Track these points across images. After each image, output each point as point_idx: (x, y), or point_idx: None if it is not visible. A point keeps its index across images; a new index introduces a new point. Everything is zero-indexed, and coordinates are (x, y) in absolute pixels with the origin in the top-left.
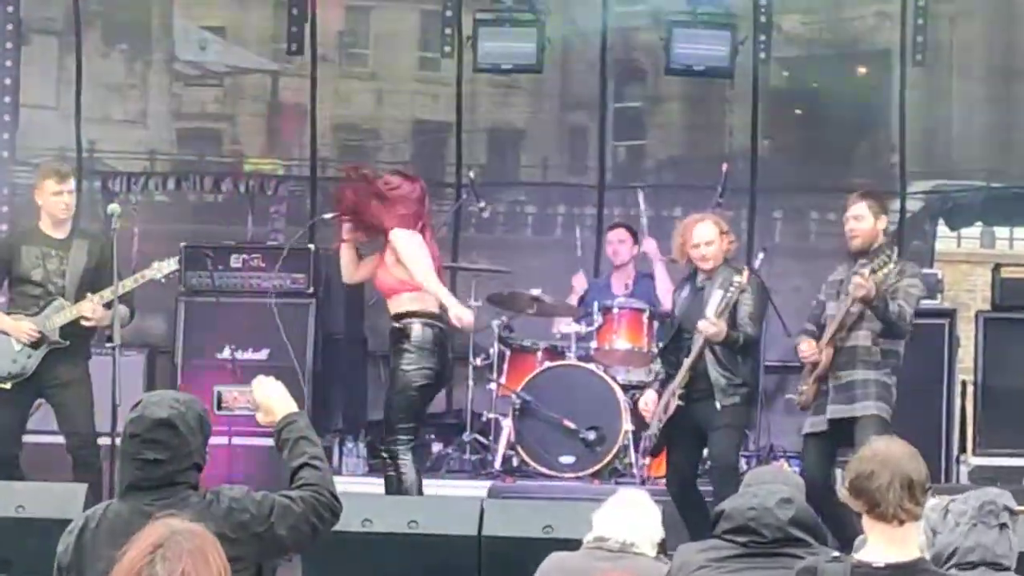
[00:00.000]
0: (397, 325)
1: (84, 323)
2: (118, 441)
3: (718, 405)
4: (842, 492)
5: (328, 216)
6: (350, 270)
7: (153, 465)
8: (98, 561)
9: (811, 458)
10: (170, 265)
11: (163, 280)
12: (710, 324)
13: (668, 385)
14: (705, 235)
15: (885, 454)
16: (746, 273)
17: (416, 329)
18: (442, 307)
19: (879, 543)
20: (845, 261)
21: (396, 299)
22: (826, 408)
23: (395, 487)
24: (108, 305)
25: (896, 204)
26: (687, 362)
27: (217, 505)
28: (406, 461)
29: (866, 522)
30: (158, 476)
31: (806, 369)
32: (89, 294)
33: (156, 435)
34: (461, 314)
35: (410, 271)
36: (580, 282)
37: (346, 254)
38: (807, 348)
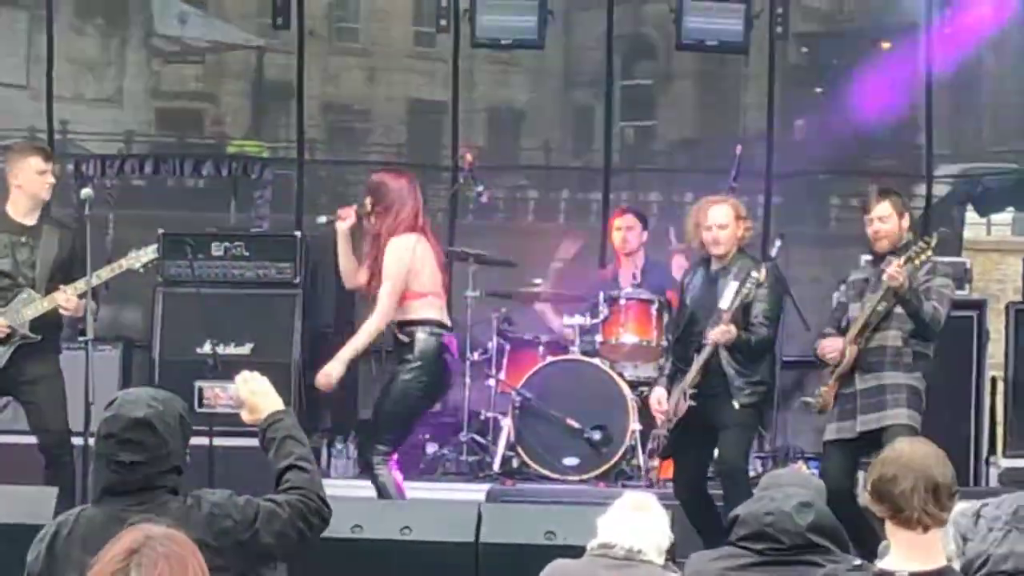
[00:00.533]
0: (400, 334)
1: (62, 312)
2: (91, 442)
3: (736, 404)
4: (864, 496)
5: (324, 220)
6: (351, 276)
7: (129, 468)
8: (71, 570)
9: (833, 465)
10: (148, 254)
11: (141, 270)
12: (722, 332)
13: (677, 382)
14: (719, 217)
15: (909, 456)
16: (764, 271)
17: (420, 339)
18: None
19: (902, 550)
20: (868, 260)
21: (404, 305)
22: (855, 417)
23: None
24: (82, 295)
25: (922, 188)
26: (698, 361)
27: (198, 510)
28: (382, 471)
29: (889, 528)
30: (135, 479)
31: (827, 370)
32: (62, 286)
33: (132, 435)
34: (330, 371)
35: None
36: (568, 249)
37: (346, 259)
38: (830, 344)
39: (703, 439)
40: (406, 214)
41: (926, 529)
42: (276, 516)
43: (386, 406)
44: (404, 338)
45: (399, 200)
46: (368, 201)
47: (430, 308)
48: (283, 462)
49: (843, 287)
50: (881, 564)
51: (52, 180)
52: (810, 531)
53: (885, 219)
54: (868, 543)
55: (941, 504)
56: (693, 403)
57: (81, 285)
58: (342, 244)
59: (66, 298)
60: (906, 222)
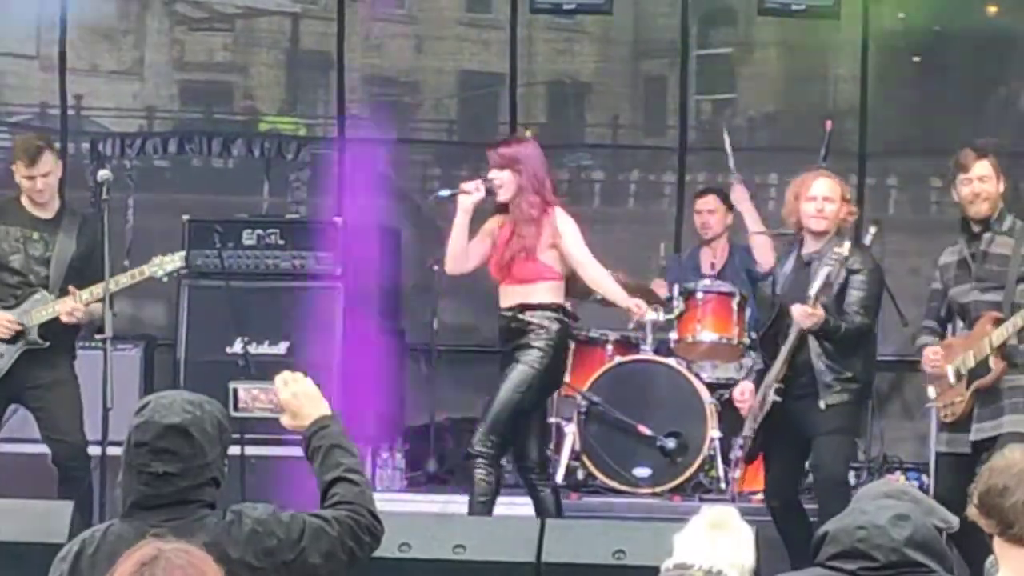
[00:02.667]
0: (527, 317)
1: (65, 320)
2: (110, 451)
3: (823, 404)
4: (970, 510)
5: (447, 194)
6: (461, 259)
7: (162, 480)
8: None
9: (945, 479)
10: (174, 261)
11: (165, 279)
12: (805, 313)
13: (765, 378)
14: (826, 190)
15: (1022, 466)
16: (848, 244)
17: (554, 324)
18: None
19: (1012, 571)
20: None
21: (530, 287)
22: (969, 426)
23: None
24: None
25: None
26: (784, 350)
27: (238, 527)
28: (489, 471)
29: (998, 546)
30: (168, 492)
31: (948, 378)
32: (72, 288)
33: (167, 444)
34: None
35: (581, 260)
36: (660, 289)
37: (462, 239)
38: (933, 355)
39: (795, 443)
40: (549, 183)
41: None
42: (324, 534)
43: (511, 398)
44: (530, 318)
45: (541, 169)
46: (502, 174)
47: (560, 292)
48: (330, 474)
49: (937, 272)
50: None
51: (40, 184)
52: (907, 547)
53: (986, 179)
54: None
55: None
56: (778, 399)
57: (98, 291)
58: (463, 222)
59: (73, 307)
60: (1002, 187)
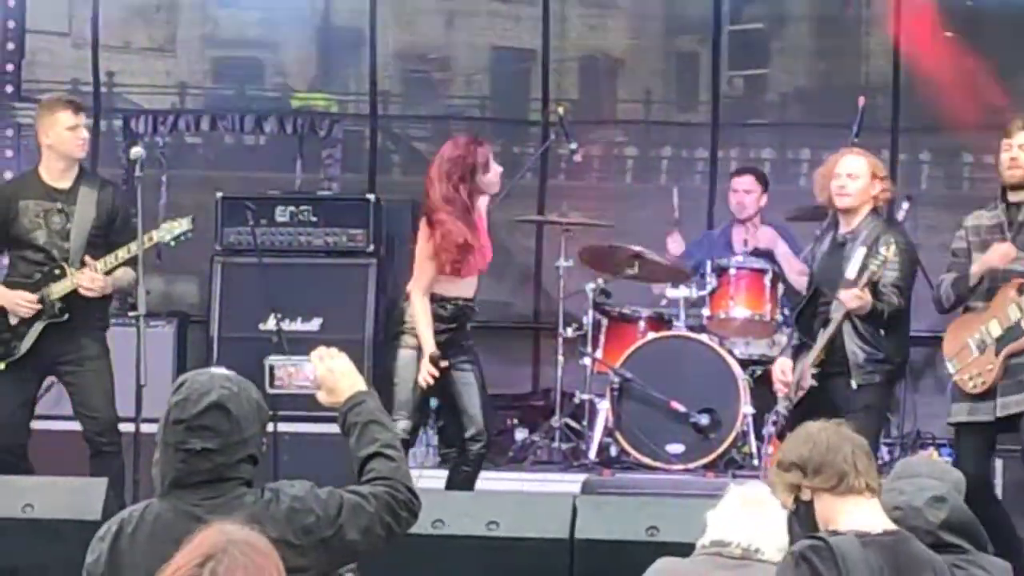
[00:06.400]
0: None
1: (84, 293)
2: (144, 429)
3: (854, 384)
4: (788, 476)
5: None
6: None
7: (200, 456)
8: (138, 572)
9: (967, 451)
10: (182, 226)
11: (172, 243)
12: (854, 296)
13: (802, 356)
14: (850, 166)
15: (829, 432)
16: (892, 248)
17: None
18: None
19: (852, 523)
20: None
21: None
22: (995, 398)
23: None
24: (110, 272)
25: None
26: (824, 336)
27: (276, 505)
28: None
29: (828, 502)
30: (206, 469)
31: (970, 350)
32: (88, 259)
33: (205, 420)
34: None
35: None
36: (676, 245)
37: None
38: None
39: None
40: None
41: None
42: (362, 510)
43: None
44: None
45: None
46: None
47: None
48: (366, 449)
49: (962, 231)
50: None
51: (85, 136)
52: (943, 529)
53: None
54: (1007, 539)
55: None
56: (815, 383)
57: (111, 260)
58: None
59: (91, 277)
60: None
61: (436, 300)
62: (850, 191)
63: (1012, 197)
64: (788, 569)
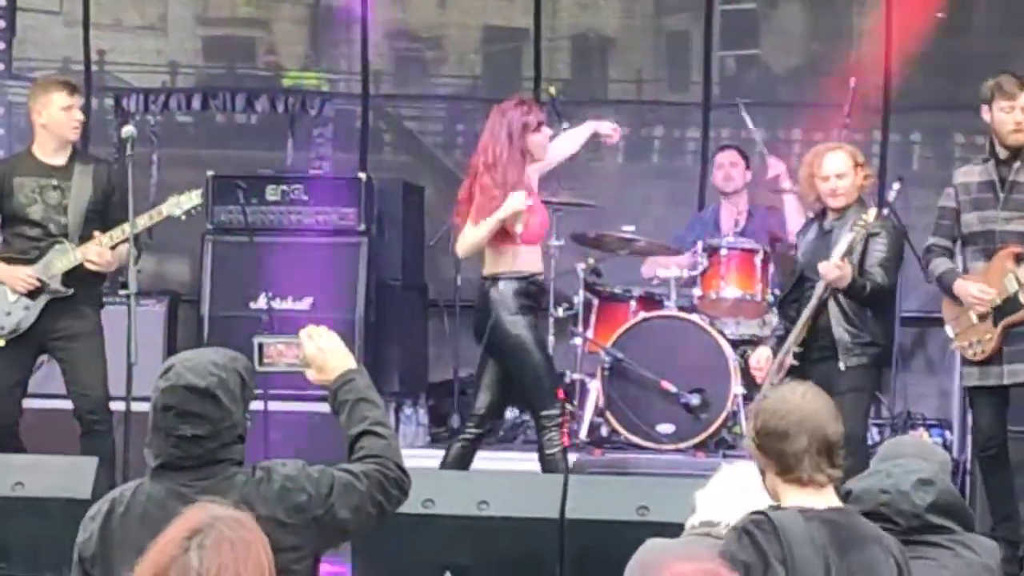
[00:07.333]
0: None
1: (91, 267)
2: (134, 407)
3: (842, 366)
4: (747, 443)
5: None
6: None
7: (192, 442)
8: (129, 551)
9: (982, 411)
10: (192, 199)
11: (183, 217)
12: (833, 267)
13: (785, 342)
14: (837, 166)
15: (801, 412)
16: (873, 211)
17: None
18: None
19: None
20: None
21: None
22: (1001, 364)
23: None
24: (116, 246)
25: None
26: (806, 312)
27: (268, 484)
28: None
29: (771, 481)
30: (198, 454)
31: (969, 317)
32: (96, 233)
33: (194, 407)
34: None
35: None
36: (648, 268)
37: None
38: (979, 291)
39: None
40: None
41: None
42: (353, 488)
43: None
44: None
45: None
46: None
47: None
48: (356, 427)
49: (951, 190)
50: None
51: (80, 117)
52: (930, 512)
53: None
54: (1008, 512)
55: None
56: (796, 362)
57: (117, 234)
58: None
59: (99, 252)
60: None
61: (521, 279)
62: (842, 191)
63: (1002, 153)
64: (731, 543)
